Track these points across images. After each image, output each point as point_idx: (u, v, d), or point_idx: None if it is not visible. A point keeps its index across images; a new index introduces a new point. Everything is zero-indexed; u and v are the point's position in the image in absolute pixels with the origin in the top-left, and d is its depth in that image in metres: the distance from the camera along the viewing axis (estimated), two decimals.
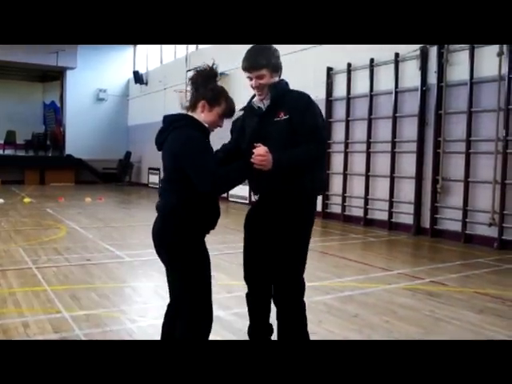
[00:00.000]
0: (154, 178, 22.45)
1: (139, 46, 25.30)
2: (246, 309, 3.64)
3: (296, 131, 3.20)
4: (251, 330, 3.62)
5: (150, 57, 24.14)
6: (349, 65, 11.85)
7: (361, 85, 11.63)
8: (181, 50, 20.76)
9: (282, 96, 3.33)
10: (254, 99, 3.47)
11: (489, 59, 9.03)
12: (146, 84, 23.52)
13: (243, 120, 3.54)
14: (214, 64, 3.08)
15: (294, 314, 3.38)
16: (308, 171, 3.26)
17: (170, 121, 3.05)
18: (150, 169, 23.05)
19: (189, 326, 2.97)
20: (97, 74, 24.37)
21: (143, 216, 13.15)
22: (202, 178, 2.83)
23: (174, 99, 20.11)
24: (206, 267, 3.01)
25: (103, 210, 13.36)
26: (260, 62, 3.26)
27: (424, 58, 10.19)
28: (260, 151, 2.93)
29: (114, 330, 4.32)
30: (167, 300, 4.81)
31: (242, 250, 3.55)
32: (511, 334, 4.46)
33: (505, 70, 8.75)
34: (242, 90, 16.74)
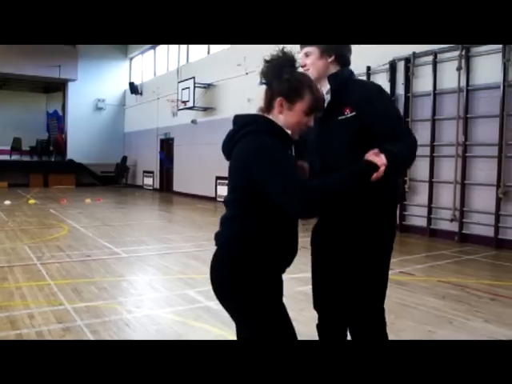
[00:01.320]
0: (149, 180, 22.48)
1: (135, 60, 25.24)
2: None
3: (368, 126, 2.34)
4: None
5: (145, 69, 24.11)
6: None
7: None
8: (172, 63, 20.73)
9: (345, 87, 2.44)
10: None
11: (449, 73, 9.14)
12: (141, 94, 23.48)
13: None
14: (284, 49, 2.14)
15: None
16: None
17: (242, 123, 2.10)
18: (144, 172, 23.06)
19: None
20: (96, 85, 24.34)
21: (138, 215, 13.13)
22: (289, 194, 1.87)
23: (166, 108, 20.09)
24: (282, 321, 2.06)
25: (102, 210, 13.30)
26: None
27: (393, 71, 10.27)
28: (378, 159, 2.04)
29: (112, 320, 4.32)
30: (161, 292, 4.82)
31: (311, 274, 2.68)
32: (469, 317, 4.53)
33: (463, 82, 8.87)
34: (229, 102, 16.79)
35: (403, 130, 2.36)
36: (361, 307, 2.45)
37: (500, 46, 8.29)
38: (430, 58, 9.53)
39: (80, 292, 5.17)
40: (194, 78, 17.05)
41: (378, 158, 2.01)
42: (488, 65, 8.61)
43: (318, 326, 2.65)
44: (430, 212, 9.53)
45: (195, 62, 18.58)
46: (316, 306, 2.65)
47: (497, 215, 8.35)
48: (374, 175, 1.98)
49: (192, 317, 4.41)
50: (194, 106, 17.15)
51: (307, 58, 2.52)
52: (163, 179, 21.41)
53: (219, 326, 4.12)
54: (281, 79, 2.06)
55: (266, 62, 2.14)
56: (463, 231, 8.94)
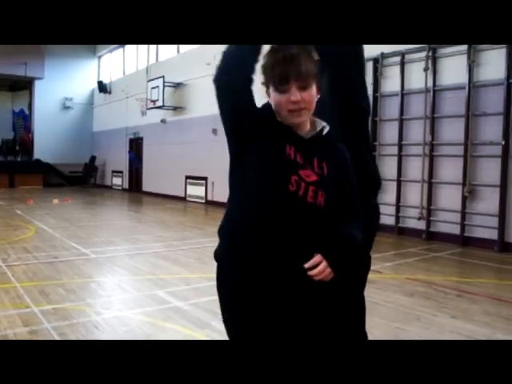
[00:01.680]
0: (118, 180, 22.25)
1: (103, 58, 24.95)
2: (203, 299, 3.60)
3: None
4: None
5: (114, 68, 23.83)
6: None
7: None
8: (142, 61, 20.55)
9: None
10: None
11: (417, 73, 9.28)
12: (110, 93, 23.22)
13: None
14: None
15: None
16: None
17: None
18: (113, 171, 22.81)
19: None
20: (63, 83, 23.96)
21: (107, 216, 12.99)
22: None
23: (135, 107, 19.90)
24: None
25: (70, 211, 13.09)
26: (309, 69, 2.19)
27: None
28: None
29: (80, 322, 4.25)
30: (130, 293, 4.78)
31: None
32: (437, 313, 4.60)
33: (430, 83, 9.02)
34: (199, 101, 16.68)
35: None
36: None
37: (465, 47, 8.46)
38: (398, 59, 9.66)
39: (47, 294, 5.06)
40: (163, 77, 16.93)
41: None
42: (454, 66, 8.77)
43: None
44: (398, 210, 9.66)
45: (165, 60, 18.45)
46: None
47: (463, 213, 8.51)
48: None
49: (161, 317, 4.37)
50: (163, 106, 17.03)
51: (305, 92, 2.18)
52: (132, 179, 21.20)
53: (189, 327, 4.10)
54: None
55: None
56: (430, 229, 9.09)
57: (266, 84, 1.80)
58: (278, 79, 1.73)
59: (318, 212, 1.70)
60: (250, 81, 1.76)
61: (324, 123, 1.81)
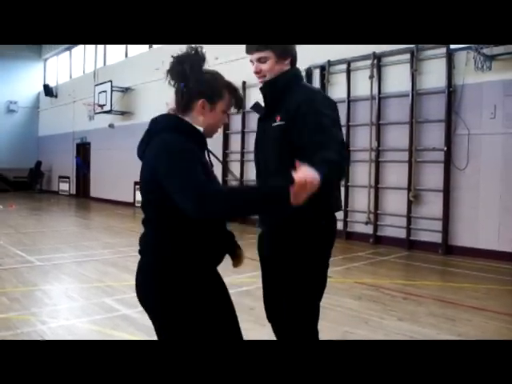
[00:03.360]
0: (65, 186, 21.70)
1: (49, 61, 24.33)
2: None
3: (293, 139, 2.27)
4: None
5: (60, 71, 23.25)
6: (243, 83, 11.91)
7: (254, 100, 11.73)
8: (89, 65, 20.14)
9: (283, 92, 2.37)
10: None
11: (362, 81, 9.46)
12: (56, 97, 22.62)
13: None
14: (197, 48, 2.02)
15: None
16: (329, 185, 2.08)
17: (152, 125, 2.06)
18: (60, 177, 22.22)
19: None
20: (7, 86, 23.18)
21: (54, 222, 12.62)
22: (183, 193, 1.77)
23: (82, 111, 19.46)
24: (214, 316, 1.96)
25: (14, 217, 12.64)
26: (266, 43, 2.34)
27: (309, 78, 10.47)
28: (305, 178, 1.75)
29: (25, 332, 4.09)
30: (77, 302, 4.63)
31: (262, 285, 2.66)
32: (384, 316, 4.67)
33: (375, 90, 9.22)
34: (147, 106, 16.51)
35: (333, 145, 2.17)
36: (295, 315, 2.41)
37: (408, 56, 8.70)
38: (344, 67, 9.83)
39: None
40: (111, 81, 16.63)
41: (309, 177, 1.75)
42: (398, 74, 8.99)
43: (276, 332, 2.54)
44: (346, 215, 9.79)
45: (113, 64, 18.14)
46: (268, 318, 2.59)
47: (408, 217, 8.71)
48: (295, 197, 1.75)
49: (110, 326, 4.26)
50: (111, 110, 16.71)
51: (263, 64, 2.39)
52: (80, 185, 20.70)
53: (138, 335, 4.00)
54: (199, 80, 1.98)
55: (180, 58, 2.01)
56: (377, 233, 9.26)
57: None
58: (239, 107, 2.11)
59: None
60: None
61: None
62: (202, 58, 2.00)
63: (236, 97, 2.08)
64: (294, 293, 2.38)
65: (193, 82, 1.97)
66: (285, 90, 2.36)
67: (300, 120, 2.22)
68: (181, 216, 1.81)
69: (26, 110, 24.30)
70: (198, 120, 2.01)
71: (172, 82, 2.03)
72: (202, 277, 1.97)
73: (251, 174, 11.90)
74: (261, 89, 2.46)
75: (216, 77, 2.06)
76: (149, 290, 1.98)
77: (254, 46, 2.35)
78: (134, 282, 2.05)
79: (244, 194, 1.84)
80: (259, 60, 2.38)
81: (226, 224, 2.06)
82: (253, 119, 11.80)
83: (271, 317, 2.55)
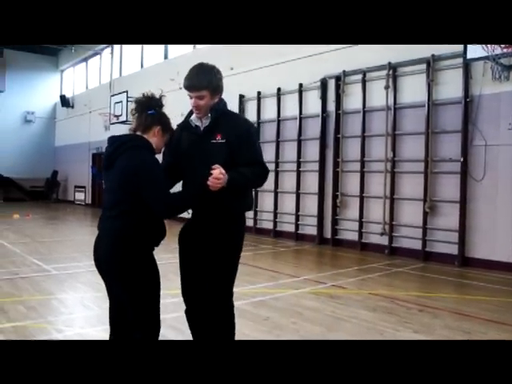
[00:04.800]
0: (81, 196, 21.87)
1: (66, 72, 24.66)
2: (168, 315, 3.56)
3: (233, 155, 2.97)
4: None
5: (76, 82, 23.55)
6: (258, 93, 12.03)
7: (269, 111, 11.82)
8: (105, 76, 20.38)
9: (220, 118, 3.07)
10: (192, 117, 3.13)
11: (378, 91, 9.46)
12: (73, 107, 22.91)
13: (178, 135, 3.17)
14: (152, 94, 2.98)
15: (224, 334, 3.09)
16: (244, 191, 3.11)
17: (122, 141, 2.80)
18: (76, 187, 22.42)
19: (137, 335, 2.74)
20: (25, 97, 23.55)
21: (70, 231, 12.73)
22: (157, 202, 2.67)
23: (98, 122, 19.66)
24: (155, 282, 2.80)
25: (31, 226, 12.78)
26: (202, 83, 2.99)
27: (324, 88, 10.51)
28: (217, 174, 2.72)
29: (41, 340, 4.12)
30: (93, 310, 4.65)
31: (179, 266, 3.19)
32: (399, 328, 4.63)
33: (391, 101, 9.20)
34: None
35: (260, 161, 3.06)
36: (213, 292, 3.03)
37: (424, 66, 8.68)
38: (360, 77, 9.83)
39: (7, 311, 4.92)
40: (126, 91, 16.77)
41: (221, 176, 2.73)
42: (414, 84, 8.97)
43: (186, 312, 3.19)
44: (361, 226, 9.75)
45: (128, 75, 18.34)
46: (183, 294, 3.19)
47: (424, 229, 8.65)
48: (212, 185, 2.73)
49: None
50: (126, 121, 16.84)
51: (201, 100, 3.00)
52: (95, 194, 20.86)
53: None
54: (163, 114, 2.95)
55: (152, 98, 2.95)
56: (393, 245, 9.21)
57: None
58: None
59: None
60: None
61: None
62: (161, 100, 2.97)
63: (172, 133, 3.04)
64: (218, 265, 3.04)
65: (159, 113, 2.91)
66: (220, 116, 3.07)
67: (243, 145, 3.00)
68: (139, 212, 2.70)
69: (43, 120, 24.61)
70: (151, 140, 2.87)
71: (136, 110, 2.93)
72: (148, 252, 2.82)
73: (266, 183, 11.90)
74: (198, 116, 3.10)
75: (168, 117, 2.98)
76: (112, 259, 2.72)
77: (195, 87, 2.99)
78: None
79: (187, 196, 2.89)
80: (198, 97, 3.00)
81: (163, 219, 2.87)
82: (268, 130, 11.84)
83: (186, 294, 3.17)
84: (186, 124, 3.19)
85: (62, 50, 23.49)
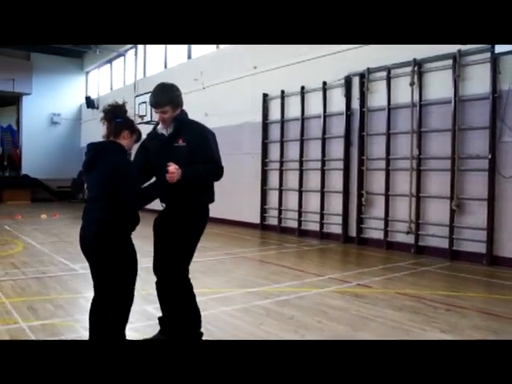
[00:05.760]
0: None
1: (91, 74, 24.96)
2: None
3: (193, 155, 3.64)
4: (162, 313, 4.01)
5: (101, 83, 23.82)
6: (282, 91, 12.01)
7: (293, 109, 11.79)
8: (129, 77, 20.56)
9: (182, 126, 3.75)
10: (158, 127, 3.88)
11: (403, 88, 9.36)
12: (98, 108, 23.13)
13: (148, 143, 3.95)
14: (124, 101, 3.65)
15: (180, 301, 3.81)
16: (204, 186, 3.79)
17: (101, 147, 3.44)
18: None
19: (120, 313, 3.45)
20: (51, 99, 23.90)
21: None
22: (130, 197, 3.31)
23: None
24: (135, 260, 3.49)
25: (58, 226, 12.98)
26: (164, 101, 3.69)
27: (348, 85, 10.45)
28: (172, 169, 3.41)
29: (68, 338, 4.20)
30: None
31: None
32: (426, 327, 4.59)
33: (416, 97, 9.10)
34: None
35: (213, 158, 3.74)
36: (172, 266, 3.77)
37: (450, 62, 8.56)
38: (384, 74, 9.75)
39: (36, 310, 5.01)
40: (151, 92, 16.92)
41: (175, 170, 3.42)
42: (439, 80, 8.86)
43: (156, 284, 3.95)
44: (386, 225, 9.67)
45: (152, 76, 18.46)
46: (154, 270, 3.93)
47: (451, 227, 8.54)
48: (169, 179, 3.41)
49: (151, 333, 4.32)
50: (151, 121, 16.96)
51: (165, 114, 3.71)
52: None
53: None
54: (127, 120, 3.52)
55: (117, 107, 3.53)
56: (419, 243, 9.11)
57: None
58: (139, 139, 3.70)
59: None
60: None
61: None
62: (125, 107, 3.58)
63: (139, 133, 3.62)
64: (176, 245, 3.75)
65: (124, 119, 3.49)
66: (182, 124, 3.76)
67: (200, 147, 3.69)
68: (117, 204, 3.30)
69: (69, 121, 24.96)
70: (123, 142, 3.47)
71: (105, 118, 3.49)
72: (127, 236, 3.47)
73: (290, 182, 11.90)
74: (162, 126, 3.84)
75: (132, 119, 3.61)
76: (100, 243, 3.34)
77: (159, 105, 3.72)
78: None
79: (151, 190, 3.50)
80: (162, 112, 3.71)
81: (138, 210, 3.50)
82: (292, 129, 11.83)
83: (155, 269, 3.92)
84: (154, 133, 3.93)
85: (86, 52, 23.76)
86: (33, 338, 4.15)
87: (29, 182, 22.96)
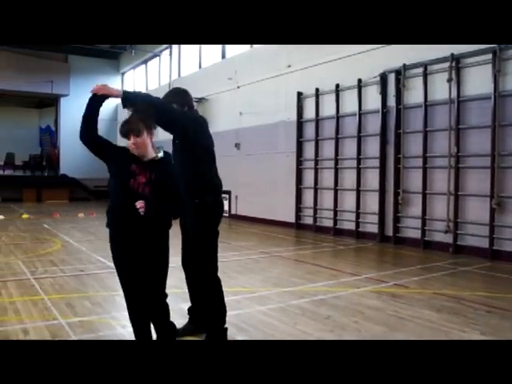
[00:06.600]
0: None
1: (127, 74, 25.33)
2: (228, 313, 3.61)
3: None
4: (191, 304, 4.26)
5: (137, 83, 24.15)
6: (317, 90, 11.96)
7: (328, 107, 11.73)
8: (164, 77, 20.79)
9: None
10: None
11: (440, 84, 9.20)
12: None
13: None
14: None
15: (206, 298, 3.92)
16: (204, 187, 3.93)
17: None
18: None
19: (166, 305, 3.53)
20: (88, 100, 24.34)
21: None
22: None
23: None
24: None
25: (95, 225, 13.21)
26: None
27: (383, 83, 10.32)
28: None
29: (105, 334, 4.27)
30: None
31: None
32: (466, 329, 4.49)
33: (454, 93, 8.92)
34: (221, 115, 16.84)
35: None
36: (195, 261, 3.96)
37: (490, 56, 8.37)
38: (421, 70, 9.59)
39: (74, 307, 5.12)
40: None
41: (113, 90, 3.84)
42: (479, 76, 8.66)
43: (186, 277, 4.24)
44: (423, 224, 9.52)
45: (187, 76, 18.64)
46: (182, 264, 4.26)
47: (491, 226, 8.35)
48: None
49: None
50: None
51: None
52: None
53: None
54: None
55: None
56: (458, 242, 8.93)
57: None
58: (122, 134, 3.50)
59: (145, 197, 3.27)
60: (96, 136, 3.72)
61: (161, 153, 3.45)
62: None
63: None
64: (194, 242, 3.91)
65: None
66: None
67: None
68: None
69: (105, 122, 25.32)
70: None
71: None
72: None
73: (325, 181, 11.84)
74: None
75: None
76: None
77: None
78: None
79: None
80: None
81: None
82: (327, 127, 11.76)
83: (184, 265, 4.22)
84: None
85: (122, 53, 24.14)
86: (71, 333, 4.23)
87: (67, 182, 23.51)
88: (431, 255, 8.77)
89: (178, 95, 4.08)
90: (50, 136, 25.77)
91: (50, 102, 25.50)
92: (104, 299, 5.46)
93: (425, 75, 9.53)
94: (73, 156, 23.67)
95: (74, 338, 4.14)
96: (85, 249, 8.92)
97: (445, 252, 8.93)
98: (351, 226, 11.12)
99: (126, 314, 4.92)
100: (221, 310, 3.92)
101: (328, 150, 11.77)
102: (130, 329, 4.43)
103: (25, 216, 14.81)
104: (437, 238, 9.33)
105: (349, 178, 11.23)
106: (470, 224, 8.81)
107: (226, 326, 3.94)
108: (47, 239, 10.17)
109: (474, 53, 8.65)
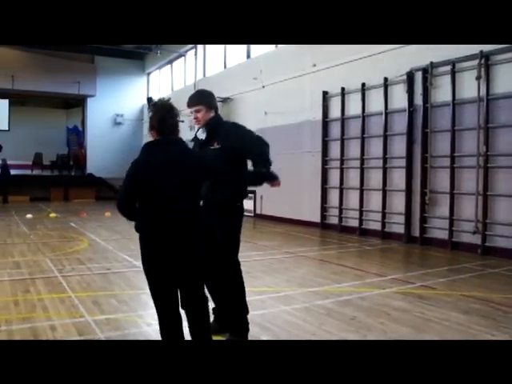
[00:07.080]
0: None
1: (152, 75, 25.54)
2: (252, 312, 3.61)
3: (228, 157, 3.79)
4: (215, 304, 4.18)
5: (162, 84, 24.34)
6: (342, 89, 11.89)
7: (354, 107, 11.65)
8: (189, 77, 20.91)
9: (215, 129, 3.95)
10: (198, 132, 4.09)
11: (469, 82, 9.06)
12: None
13: (193, 147, 4.09)
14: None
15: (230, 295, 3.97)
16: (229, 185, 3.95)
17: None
18: None
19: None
20: (114, 100, 24.66)
21: None
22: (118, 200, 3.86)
23: (183, 122, 20.20)
24: None
25: (121, 224, 13.28)
26: (198, 100, 4.02)
27: (410, 81, 10.22)
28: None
29: (131, 332, 4.32)
30: None
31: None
32: (494, 332, 4.42)
33: (483, 91, 8.78)
34: (246, 115, 16.87)
35: (266, 153, 3.95)
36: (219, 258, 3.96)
37: None
38: (449, 68, 9.46)
39: (100, 304, 5.18)
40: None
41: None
42: (509, 73, 8.50)
43: (208, 280, 3.99)
44: (451, 224, 9.39)
45: (212, 76, 18.72)
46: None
47: None
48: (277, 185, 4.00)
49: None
50: None
51: (198, 113, 3.98)
52: None
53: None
54: None
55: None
56: (486, 244, 8.79)
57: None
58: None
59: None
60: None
61: None
62: None
63: None
64: (225, 240, 3.94)
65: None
66: (215, 128, 3.95)
67: (246, 144, 3.90)
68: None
69: (132, 122, 25.67)
70: None
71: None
72: None
73: (351, 180, 11.78)
74: (199, 129, 4.08)
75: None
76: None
77: (192, 102, 4.05)
78: None
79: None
80: (196, 111, 3.99)
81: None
82: (352, 126, 11.69)
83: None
84: (195, 138, 4.14)
85: (147, 53, 24.35)
86: (98, 331, 4.29)
87: (93, 181, 23.82)
88: (459, 256, 8.65)
89: (213, 98, 4.15)
90: (76, 136, 26.15)
91: (77, 103, 25.88)
92: (130, 297, 5.53)
93: (453, 73, 9.40)
94: (99, 156, 24.02)
95: (100, 335, 4.19)
96: (111, 247, 9.02)
97: (473, 253, 8.79)
98: (377, 226, 11.04)
99: (152, 312, 4.98)
100: (243, 309, 3.96)
101: (354, 149, 11.70)
102: (156, 327, 4.47)
103: (52, 215, 15.05)
104: (465, 238, 9.19)
105: (375, 178, 11.15)
106: (500, 225, 8.66)
107: (249, 325, 3.96)
108: (74, 238, 10.33)
109: (503, 50, 8.50)
